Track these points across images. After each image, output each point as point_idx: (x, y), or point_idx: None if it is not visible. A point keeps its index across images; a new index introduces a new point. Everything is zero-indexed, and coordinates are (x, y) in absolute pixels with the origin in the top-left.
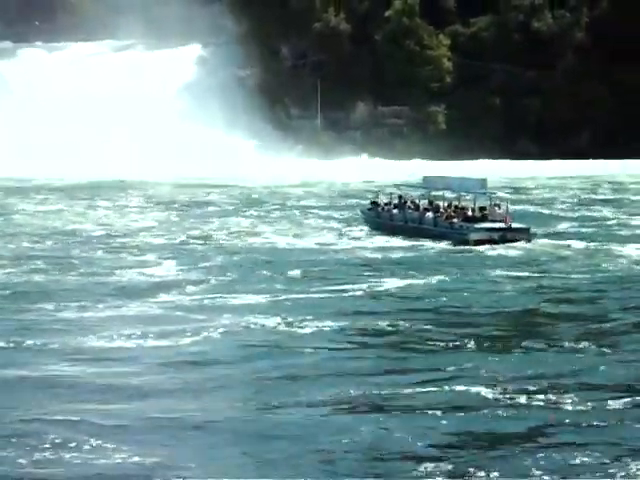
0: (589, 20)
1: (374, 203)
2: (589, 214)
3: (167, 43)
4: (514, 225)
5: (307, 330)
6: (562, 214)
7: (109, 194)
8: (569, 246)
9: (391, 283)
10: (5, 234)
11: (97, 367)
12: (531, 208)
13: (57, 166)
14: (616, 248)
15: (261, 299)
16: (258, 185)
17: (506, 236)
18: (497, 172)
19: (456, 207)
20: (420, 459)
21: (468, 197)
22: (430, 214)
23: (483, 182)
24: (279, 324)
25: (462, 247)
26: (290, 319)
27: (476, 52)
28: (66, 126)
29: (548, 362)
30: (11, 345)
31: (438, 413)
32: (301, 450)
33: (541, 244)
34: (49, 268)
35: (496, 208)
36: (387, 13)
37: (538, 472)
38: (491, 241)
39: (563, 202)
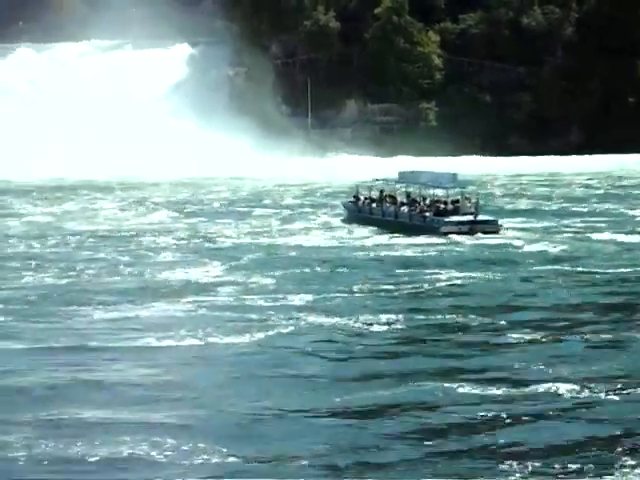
0: (578, 16)
1: (355, 197)
2: (583, 209)
3: (156, 42)
4: (483, 217)
5: (362, 329)
6: (554, 209)
7: (107, 194)
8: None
9: (416, 280)
10: (14, 236)
11: (152, 367)
12: (522, 204)
13: (48, 166)
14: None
15: (299, 298)
16: (251, 184)
17: (475, 228)
18: (487, 168)
19: (431, 201)
20: (494, 457)
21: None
22: (405, 208)
23: (454, 176)
24: (336, 322)
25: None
26: (340, 318)
27: (466, 49)
28: (55, 126)
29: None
30: (61, 346)
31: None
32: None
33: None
34: (71, 270)
35: (466, 202)
36: (376, 11)
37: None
38: (460, 232)
39: (556, 197)
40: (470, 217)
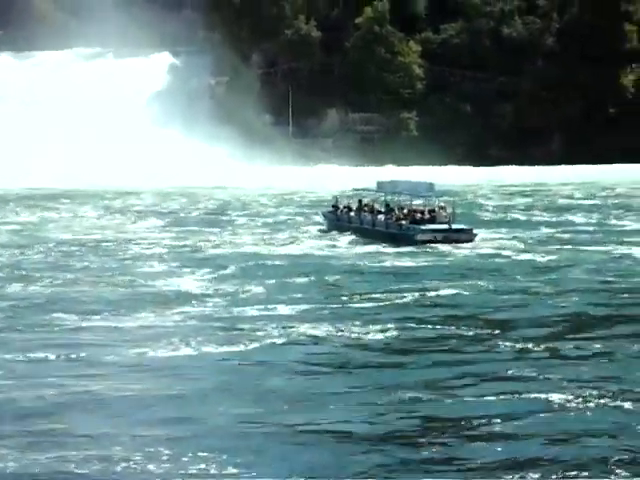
0: (559, 25)
1: (334, 207)
2: (566, 219)
3: (138, 51)
4: (458, 226)
5: (352, 339)
6: (537, 219)
7: (89, 203)
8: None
9: (402, 290)
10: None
11: (142, 379)
12: (505, 214)
13: (30, 175)
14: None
15: (288, 308)
16: (233, 193)
17: (450, 237)
18: (469, 178)
19: (409, 210)
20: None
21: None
22: (382, 217)
23: (430, 186)
24: (327, 333)
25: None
26: (330, 328)
27: (447, 59)
28: (35, 135)
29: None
30: (52, 358)
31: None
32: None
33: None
34: (56, 280)
35: (442, 211)
36: (357, 20)
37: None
38: (435, 241)
39: (539, 207)
40: (445, 226)
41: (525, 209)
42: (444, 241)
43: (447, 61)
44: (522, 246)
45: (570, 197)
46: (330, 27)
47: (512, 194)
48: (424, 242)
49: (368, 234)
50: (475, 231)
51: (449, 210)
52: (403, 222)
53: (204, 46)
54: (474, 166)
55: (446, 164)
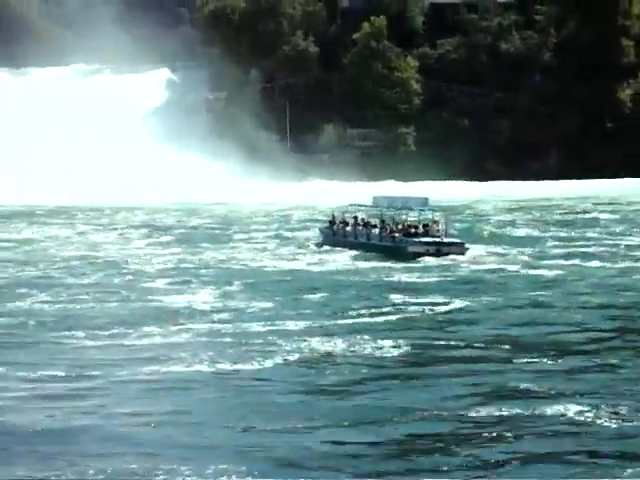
0: (557, 41)
1: (331, 222)
2: (568, 234)
3: (135, 67)
4: (450, 240)
5: (365, 356)
6: (538, 234)
7: (88, 220)
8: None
9: (414, 305)
10: None
11: (155, 396)
12: (505, 229)
13: (27, 191)
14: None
15: (298, 324)
16: (232, 209)
17: (442, 250)
18: (465, 193)
19: (403, 224)
20: None
21: (414, 215)
22: (376, 230)
23: (424, 200)
24: (334, 349)
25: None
26: (341, 344)
27: (444, 74)
28: (32, 151)
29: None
30: (61, 375)
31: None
32: None
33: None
34: (63, 296)
35: (435, 225)
36: (355, 36)
37: None
38: (427, 254)
39: (539, 222)
40: (437, 239)
41: (525, 224)
42: (436, 254)
43: (444, 76)
44: (526, 260)
45: (570, 212)
46: (328, 43)
47: (511, 209)
48: (416, 254)
49: (363, 248)
50: (468, 245)
51: (442, 224)
52: (396, 235)
53: (202, 61)
54: (472, 181)
55: (444, 179)
